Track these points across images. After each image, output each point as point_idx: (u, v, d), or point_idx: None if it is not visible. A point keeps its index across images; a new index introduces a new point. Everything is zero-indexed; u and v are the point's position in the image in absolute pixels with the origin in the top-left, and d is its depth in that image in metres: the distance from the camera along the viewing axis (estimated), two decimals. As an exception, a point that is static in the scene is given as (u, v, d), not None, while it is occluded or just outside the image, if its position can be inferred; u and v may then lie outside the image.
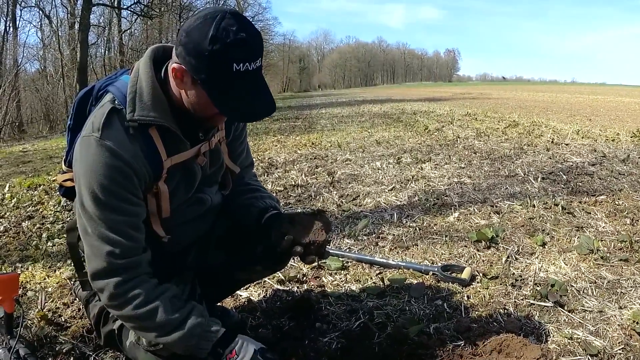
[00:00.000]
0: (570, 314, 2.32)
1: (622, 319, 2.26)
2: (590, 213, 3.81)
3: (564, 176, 5.06)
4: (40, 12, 33.67)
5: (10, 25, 30.91)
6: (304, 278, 2.86)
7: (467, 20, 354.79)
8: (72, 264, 2.11)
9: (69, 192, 1.85)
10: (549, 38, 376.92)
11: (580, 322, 2.25)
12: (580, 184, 4.75)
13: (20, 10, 32.43)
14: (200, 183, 1.87)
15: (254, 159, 2.25)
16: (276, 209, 1.99)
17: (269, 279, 2.80)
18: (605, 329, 2.19)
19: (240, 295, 2.65)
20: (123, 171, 1.56)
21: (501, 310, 2.37)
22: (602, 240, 3.19)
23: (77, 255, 1.98)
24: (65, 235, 3.66)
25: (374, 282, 2.78)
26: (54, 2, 33.57)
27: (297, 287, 2.76)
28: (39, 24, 34.62)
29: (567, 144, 7.18)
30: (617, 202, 4.07)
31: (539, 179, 4.93)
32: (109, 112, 1.58)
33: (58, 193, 2.47)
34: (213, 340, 1.66)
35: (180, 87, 1.57)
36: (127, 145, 1.57)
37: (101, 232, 1.58)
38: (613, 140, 7.53)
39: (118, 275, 1.60)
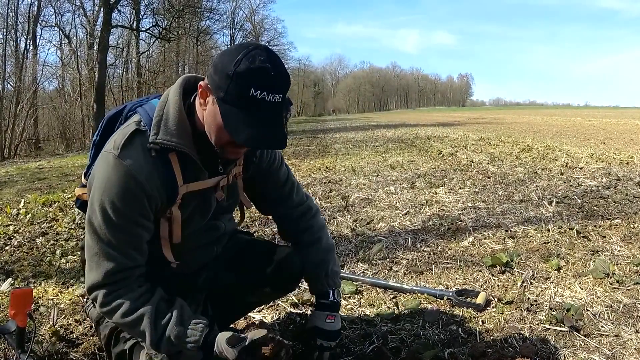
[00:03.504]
0: (586, 338, 2.28)
1: (638, 343, 2.22)
2: (605, 237, 3.77)
3: (579, 200, 5.01)
4: (60, 32, 34.39)
5: (31, 43, 31.59)
6: (317, 300, 2.84)
7: (480, 45, 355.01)
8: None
9: (85, 206, 1.87)
10: (562, 62, 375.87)
11: (596, 346, 2.22)
12: (594, 207, 4.71)
13: (41, 29, 33.22)
14: (215, 212, 1.90)
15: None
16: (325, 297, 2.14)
17: (282, 301, 2.79)
18: (621, 353, 2.15)
19: (253, 317, 2.64)
20: (135, 192, 1.59)
21: (516, 335, 2.34)
22: (617, 264, 3.15)
23: None
24: (79, 253, 3.68)
25: (388, 307, 2.75)
26: (73, 23, 34.36)
27: (311, 311, 2.74)
28: (59, 43, 35.38)
29: (581, 168, 7.13)
30: (632, 226, 4.02)
31: (554, 203, 4.90)
32: (132, 133, 1.63)
33: (74, 206, 2.50)
34: (194, 350, 1.65)
35: (203, 106, 1.60)
36: (143, 166, 1.60)
37: (103, 249, 1.62)
38: (627, 163, 7.48)
39: (108, 287, 1.65)
